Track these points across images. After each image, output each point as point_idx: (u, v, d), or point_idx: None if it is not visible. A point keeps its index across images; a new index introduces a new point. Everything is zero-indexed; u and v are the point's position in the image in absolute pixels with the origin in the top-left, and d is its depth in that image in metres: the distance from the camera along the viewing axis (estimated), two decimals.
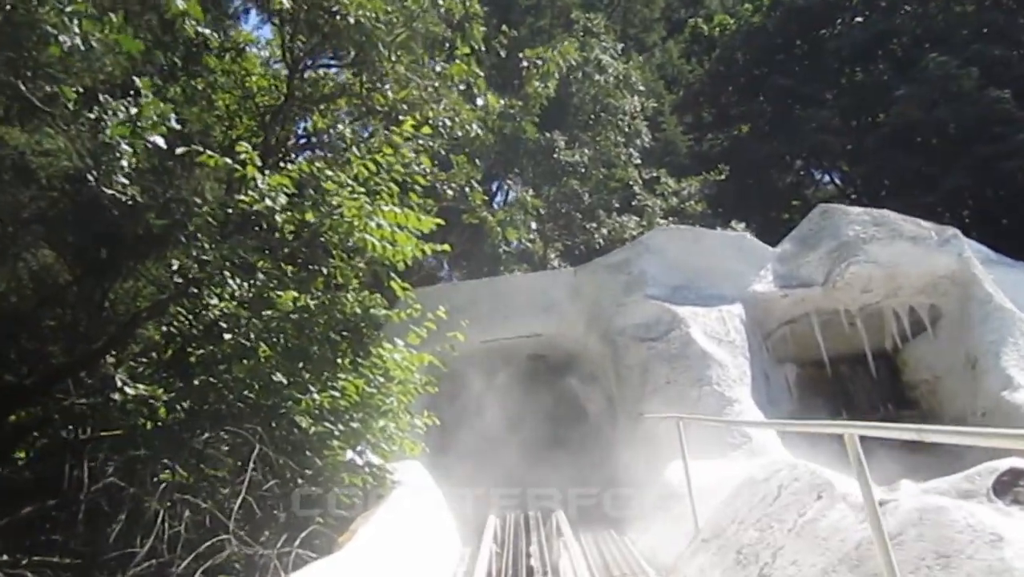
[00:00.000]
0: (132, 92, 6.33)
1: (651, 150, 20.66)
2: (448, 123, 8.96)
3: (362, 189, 7.16)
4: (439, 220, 7.39)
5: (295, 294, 7.42)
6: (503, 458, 10.63)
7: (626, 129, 19.56)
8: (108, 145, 5.86)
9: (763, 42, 26.10)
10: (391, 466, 7.77)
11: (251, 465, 5.75)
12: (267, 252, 8.37)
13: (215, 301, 7.91)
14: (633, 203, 18.76)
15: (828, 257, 11.91)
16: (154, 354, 8.98)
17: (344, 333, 7.65)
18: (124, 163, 5.97)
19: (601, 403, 11.18)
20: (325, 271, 8.47)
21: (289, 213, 7.12)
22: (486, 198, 11.66)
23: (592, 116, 19.73)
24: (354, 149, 7.79)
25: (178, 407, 7.25)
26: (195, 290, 7.89)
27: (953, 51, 21.16)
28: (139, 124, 6.12)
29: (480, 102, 10.31)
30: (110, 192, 6.28)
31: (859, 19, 25.70)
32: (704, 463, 9.14)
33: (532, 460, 10.69)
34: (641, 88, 20.26)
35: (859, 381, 12.25)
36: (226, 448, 6.30)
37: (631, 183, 18.98)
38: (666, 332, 11.02)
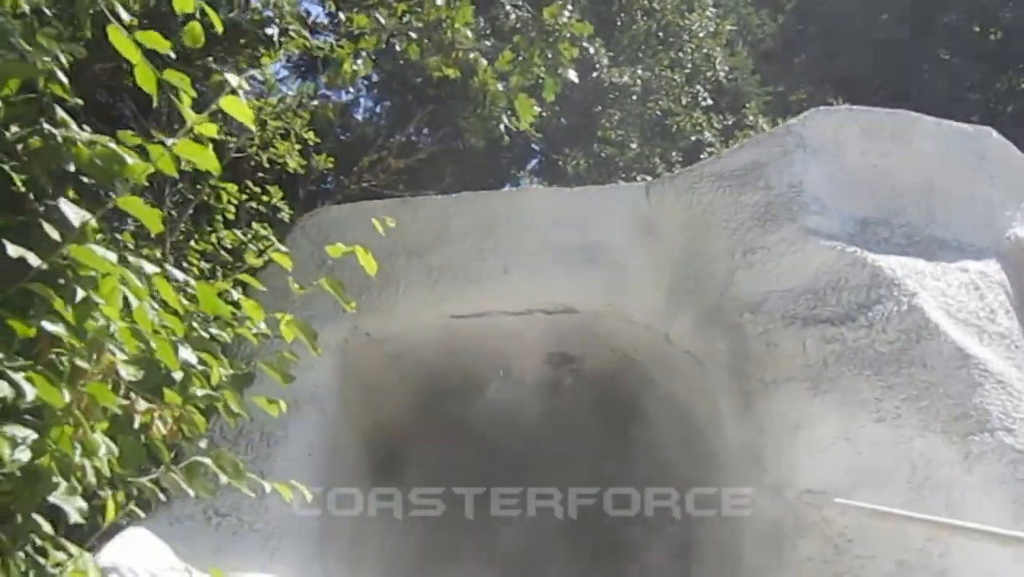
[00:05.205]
0: None
1: (722, 96, 14.72)
2: None
3: None
4: None
5: None
6: None
7: (689, 63, 13.71)
8: None
9: None
10: None
11: None
12: None
13: None
14: (702, 156, 12.82)
15: None
16: None
17: None
18: None
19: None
20: None
21: None
22: (471, 35, 5.57)
23: (643, 45, 13.91)
24: None
25: None
26: None
27: None
28: None
29: None
30: None
31: None
32: None
33: None
34: (713, 8, 14.44)
35: None
36: None
37: (697, 130, 13.04)
38: (866, 306, 4.87)
